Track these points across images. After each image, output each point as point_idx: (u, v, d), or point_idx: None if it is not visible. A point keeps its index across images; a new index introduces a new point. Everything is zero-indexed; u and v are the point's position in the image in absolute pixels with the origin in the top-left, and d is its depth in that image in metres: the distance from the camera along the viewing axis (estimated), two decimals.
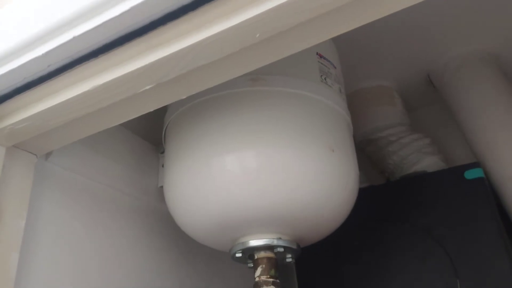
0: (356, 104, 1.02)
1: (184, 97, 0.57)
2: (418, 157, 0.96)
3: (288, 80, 0.68)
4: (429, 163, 0.96)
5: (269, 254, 0.68)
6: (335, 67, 0.78)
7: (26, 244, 0.62)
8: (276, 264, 0.69)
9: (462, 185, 0.88)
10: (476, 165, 0.89)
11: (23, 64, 0.52)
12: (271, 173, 0.64)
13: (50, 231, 0.67)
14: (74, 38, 0.49)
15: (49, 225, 0.67)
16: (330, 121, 0.71)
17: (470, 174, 0.88)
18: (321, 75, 0.72)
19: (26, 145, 0.63)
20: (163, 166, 0.80)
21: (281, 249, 0.68)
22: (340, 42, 0.80)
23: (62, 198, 0.70)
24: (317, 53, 0.74)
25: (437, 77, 1.03)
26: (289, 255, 0.70)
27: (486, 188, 0.87)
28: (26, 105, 0.57)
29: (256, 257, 0.68)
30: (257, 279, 0.67)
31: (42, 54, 0.51)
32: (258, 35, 0.47)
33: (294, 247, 0.69)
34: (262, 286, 0.66)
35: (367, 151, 1.05)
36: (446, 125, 1.07)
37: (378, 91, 1.06)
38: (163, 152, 0.82)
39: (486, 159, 0.92)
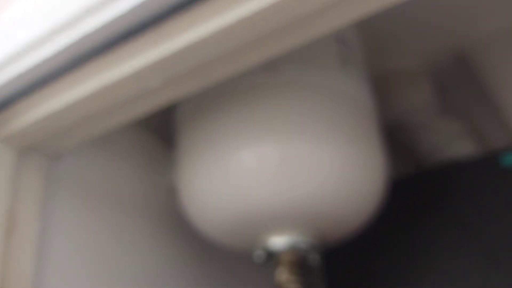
0: (384, 87, 0.98)
1: (196, 90, 0.56)
2: (451, 142, 0.94)
3: (306, 69, 0.66)
4: (461, 147, 0.93)
5: (292, 255, 0.66)
6: (356, 51, 0.75)
7: (41, 246, 0.62)
8: (299, 263, 0.67)
9: (497, 172, 0.85)
10: None
11: (31, 65, 0.53)
12: (291, 168, 0.63)
13: (63, 231, 0.67)
14: (80, 36, 0.49)
15: (62, 226, 0.67)
16: (353, 110, 0.68)
17: (506, 160, 0.85)
18: (341, 62, 0.69)
19: (37, 146, 0.63)
20: (175, 163, 0.79)
21: (306, 249, 0.66)
22: (365, 23, 0.77)
23: (73, 199, 0.70)
24: (336, 38, 0.71)
25: (470, 54, 0.99)
26: (315, 255, 0.68)
27: None
28: (36, 105, 0.57)
29: (278, 256, 0.66)
30: (280, 278, 0.65)
31: (49, 54, 0.51)
32: (271, 24, 0.46)
33: (320, 246, 0.67)
34: (285, 286, 0.65)
35: (396, 136, 1.02)
36: (480, 106, 1.03)
37: (406, 72, 1.02)
38: (175, 149, 0.80)
39: None
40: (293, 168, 0.63)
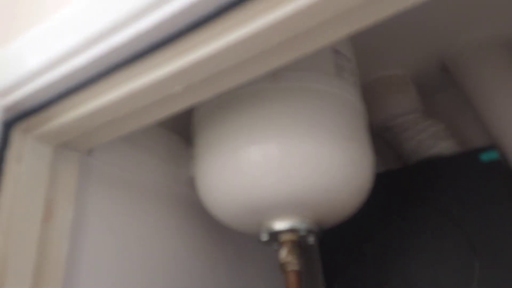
0: (373, 93, 1.04)
1: (212, 96, 0.59)
2: (434, 142, 0.97)
3: (306, 76, 0.71)
4: (444, 146, 0.97)
5: (293, 236, 0.71)
6: (350, 61, 0.81)
7: (74, 232, 0.66)
8: (300, 246, 0.72)
9: (478, 167, 0.89)
10: (491, 147, 0.90)
11: (67, 72, 0.57)
12: (292, 162, 0.68)
13: (95, 218, 0.71)
14: (111, 48, 0.53)
15: (94, 215, 0.71)
16: (346, 112, 0.74)
17: (486, 156, 0.89)
18: (336, 69, 0.75)
19: (71, 143, 0.68)
20: (193, 158, 0.84)
21: (304, 232, 0.72)
22: (356, 36, 0.81)
23: (103, 190, 0.74)
24: (332, 48, 0.77)
25: (452, 63, 1.03)
26: (312, 237, 0.74)
27: (503, 169, 0.88)
28: (71, 108, 0.61)
29: (281, 239, 0.72)
30: (282, 260, 0.71)
31: (83, 63, 0.55)
32: (276, 38, 0.50)
33: (316, 229, 0.73)
34: (288, 267, 0.70)
35: (384, 137, 1.07)
36: (461, 110, 1.08)
37: (393, 79, 1.07)
38: (193, 145, 0.85)
39: (502, 142, 0.92)
40: (294, 162, 0.68)
